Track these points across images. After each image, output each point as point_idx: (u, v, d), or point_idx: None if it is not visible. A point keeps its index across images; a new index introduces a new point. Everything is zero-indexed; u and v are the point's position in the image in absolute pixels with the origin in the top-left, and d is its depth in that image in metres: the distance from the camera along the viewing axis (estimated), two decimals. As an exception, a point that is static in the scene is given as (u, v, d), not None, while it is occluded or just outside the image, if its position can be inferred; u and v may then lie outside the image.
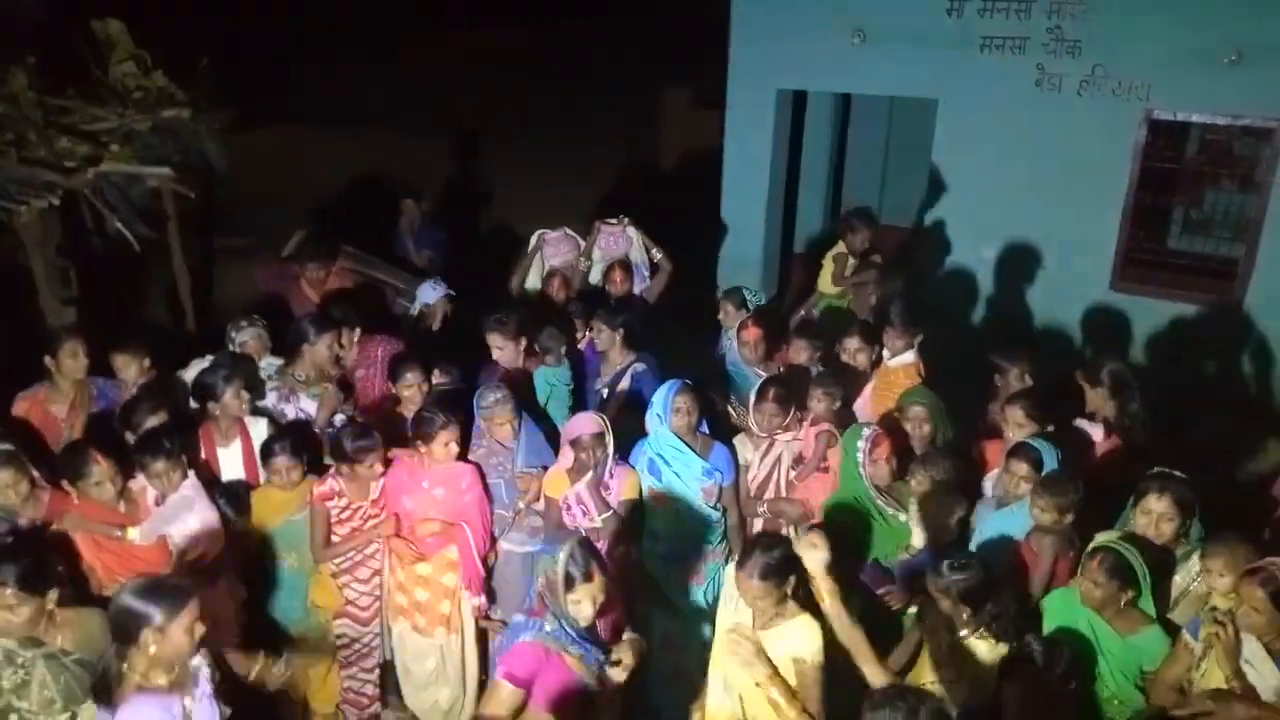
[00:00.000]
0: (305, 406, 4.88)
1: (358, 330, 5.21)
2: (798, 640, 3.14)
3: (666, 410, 4.37)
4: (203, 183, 7.17)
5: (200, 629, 2.87)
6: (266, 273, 6.36)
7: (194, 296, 7.03)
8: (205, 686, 2.96)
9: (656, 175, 11.86)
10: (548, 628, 3.05)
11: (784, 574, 3.13)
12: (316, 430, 4.78)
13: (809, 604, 3.19)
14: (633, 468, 4.43)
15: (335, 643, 4.53)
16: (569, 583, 2.99)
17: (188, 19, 9.85)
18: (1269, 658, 3.13)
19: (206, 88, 7.13)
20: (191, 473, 4.17)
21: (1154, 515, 3.57)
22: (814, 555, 3.04)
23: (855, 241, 6.44)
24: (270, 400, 4.86)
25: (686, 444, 4.38)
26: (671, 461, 4.37)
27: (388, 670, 4.64)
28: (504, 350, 5.08)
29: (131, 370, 4.78)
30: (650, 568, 4.44)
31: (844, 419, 4.65)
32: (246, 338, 5.10)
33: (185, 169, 6.82)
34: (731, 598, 3.36)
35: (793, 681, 3.10)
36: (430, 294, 6.09)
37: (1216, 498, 3.78)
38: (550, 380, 5.18)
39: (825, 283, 6.65)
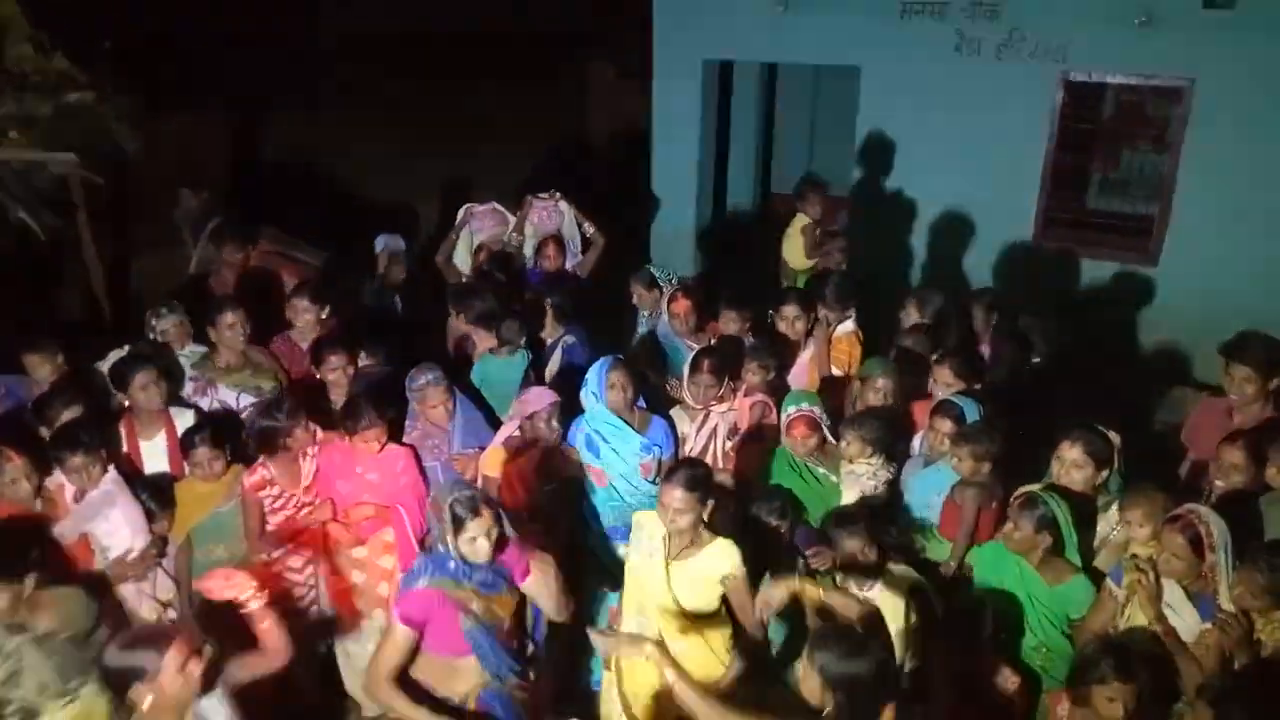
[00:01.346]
0: (224, 397, 4.74)
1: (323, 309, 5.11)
2: (719, 559, 3.35)
3: (601, 387, 4.34)
4: (114, 170, 6.90)
5: (197, 667, 2.77)
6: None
7: (112, 287, 6.78)
8: None
9: (585, 147, 11.77)
10: (450, 565, 3.15)
11: (706, 489, 3.33)
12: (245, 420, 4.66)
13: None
14: (569, 444, 4.42)
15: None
16: (458, 523, 3.11)
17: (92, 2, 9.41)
18: (1188, 601, 3.25)
19: (111, 71, 6.84)
20: (112, 467, 4.04)
21: (1066, 462, 3.68)
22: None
23: (814, 210, 6.59)
24: (186, 391, 4.72)
25: (624, 420, 4.37)
26: (609, 438, 4.35)
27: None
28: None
29: (44, 370, 4.59)
30: (591, 544, 4.44)
31: (779, 387, 4.69)
32: (167, 325, 4.92)
33: (93, 155, 6.55)
34: (640, 537, 3.49)
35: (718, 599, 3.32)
36: (380, 246, 6.05)
37: (1131, 447, 3.89)
38: (501, 373, 5.04)
39: (796, 257, 6.70)
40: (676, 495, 3.29)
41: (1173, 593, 3.28)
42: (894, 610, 3.31)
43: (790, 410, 4.18)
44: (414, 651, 3.23)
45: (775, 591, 3.22)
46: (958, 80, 7.08)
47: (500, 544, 3.24)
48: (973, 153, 7.18)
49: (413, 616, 3.17)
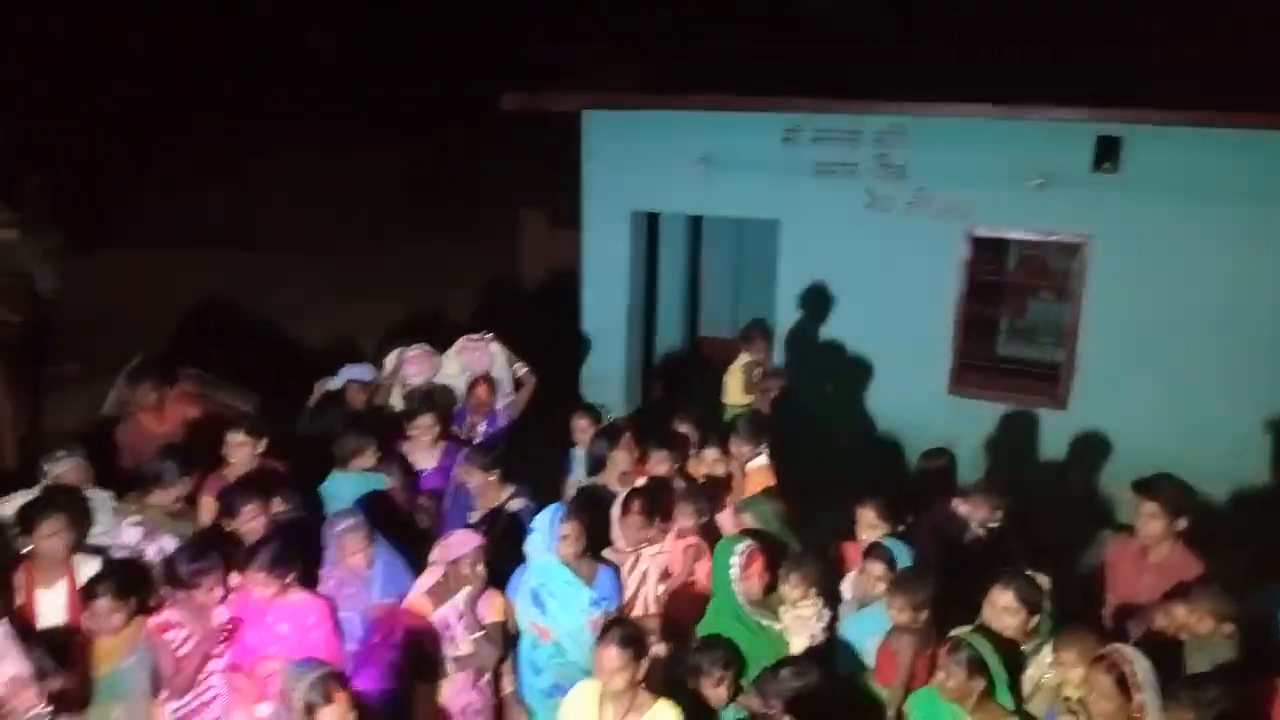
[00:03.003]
0: (167, 545, 4.51)
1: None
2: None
3: (552, 537, 4.28)
4: (31, 306, 6.78)
5: None
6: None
7: (17, 428, 6.53)
8: None
9: (516, 292, 11.96)
10: None
11: (640, 647, 3.33)
12: None
13: None
14: (500, 591, 4.30)
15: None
16: (309, 710, 3.05)
17: (19, 138, 9.45)
18: (1117, 741, 3.25)
19: (37, 208, 6.81)
20: (4, 621, 3.79)
21: (997, 607, 3.70)
22: None
23: (758, 351, 7.18)
24: (132, 538, 4.49)
25: (574, 572, 4.28)
26: (556, 593, 4.25)
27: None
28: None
29: None
30: (531, 702, 4.28)
31: (709, 531, 4.67)
32: (61, 469, 4.70)
33: (11, 292, 6.43)
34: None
35: None
36: (345, 376, 6.09)
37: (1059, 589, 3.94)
38: (349, 488, 5.00)
39: (734, 393, 7.11)
40: (611, 654, 3.28)
41: (1103, 734, 3.27)
42: None
43: (740, 547, 4.13)
44: None
45: None
46: (869, 234, 7.45)
47: None
48: (887, 302, 7.49)
49: None
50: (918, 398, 7.43)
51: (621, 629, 3.41)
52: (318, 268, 11.51)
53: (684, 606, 4.41)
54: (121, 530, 4.52)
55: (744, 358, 7.16)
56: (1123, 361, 6.97)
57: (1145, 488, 4.14)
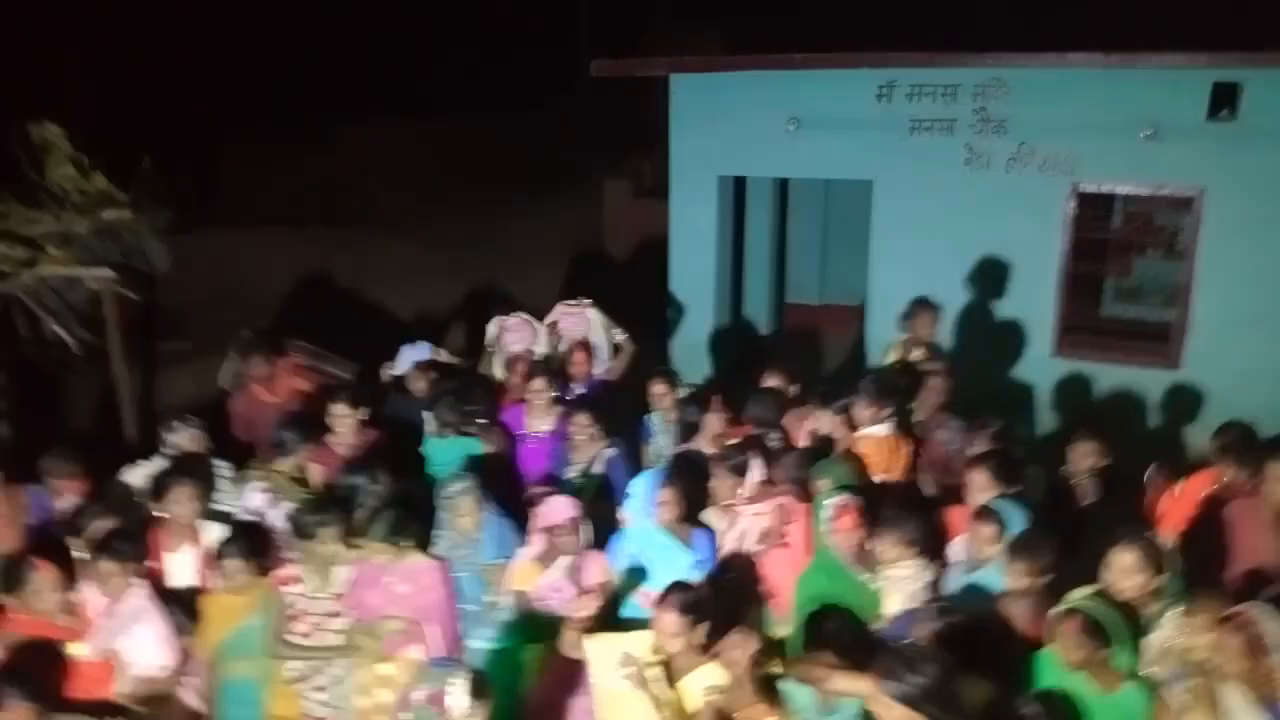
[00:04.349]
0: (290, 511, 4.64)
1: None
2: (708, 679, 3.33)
3: (650, 503, 4.30)
4: (145, 285, 7.05)
5: None
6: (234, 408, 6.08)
7: (134, 402, 6.83)
8: None
9: (604, 264, 12.00)
10: None
11: (700, 613, 3.33)
12: None
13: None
14: (602, 553, 4.35)
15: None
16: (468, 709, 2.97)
17: (128, 119, 9.83)
18: (1254, 707, 3.13)
19: (148, 188, 7.06)
20: (144, 582, 3.99)
21: (1116, 569, 3.59)
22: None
23: (920, 329, 6.07)
24: (256, 502, 4.68)
25: (674, 536, 4.30)
26: (656, 559, 4.27)
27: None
28: None
29: (67, 483, 4.61)
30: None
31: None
32: (180, 438, 4.94)
33: (127, 271, 6.70)
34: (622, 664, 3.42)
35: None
36: (407, 359, 6.03)
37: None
38: (447, 453, 5.15)
39: None
40: (670, 619, 3.32)
41: (1235, 699, 3.16)
42: None
43: (832, 501, 4.09)
44: None
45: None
46: (968, 192, 7.24)
47: None
48: (987, 263, 7.28)
49: None
50: (1022, 361, 7.22)
51: (681, 594, 3.41)
52: (406, 243, 11.73)
53: (777, 567, 4.36)
54: (247, 495, 4.70)
55: (901, 336, 6.14)
56: (1239, 318, 6.66)
57: (1275, 447, 3.96)
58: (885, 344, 6.38)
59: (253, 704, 4.18)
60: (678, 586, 3.51)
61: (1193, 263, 6.83)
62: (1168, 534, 4.25)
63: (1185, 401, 6.86)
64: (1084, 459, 4.75)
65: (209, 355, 7.07)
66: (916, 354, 6.00)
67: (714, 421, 5.17)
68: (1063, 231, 7.09)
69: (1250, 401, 6.44)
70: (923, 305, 6.16)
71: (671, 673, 3.42)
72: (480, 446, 5.25)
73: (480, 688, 3.02)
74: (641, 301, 8.59)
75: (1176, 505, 4.42)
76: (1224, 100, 6.43)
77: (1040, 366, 7.24)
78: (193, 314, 9.11)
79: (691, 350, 8.33)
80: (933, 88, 7.21)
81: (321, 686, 4.19)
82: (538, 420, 5.54)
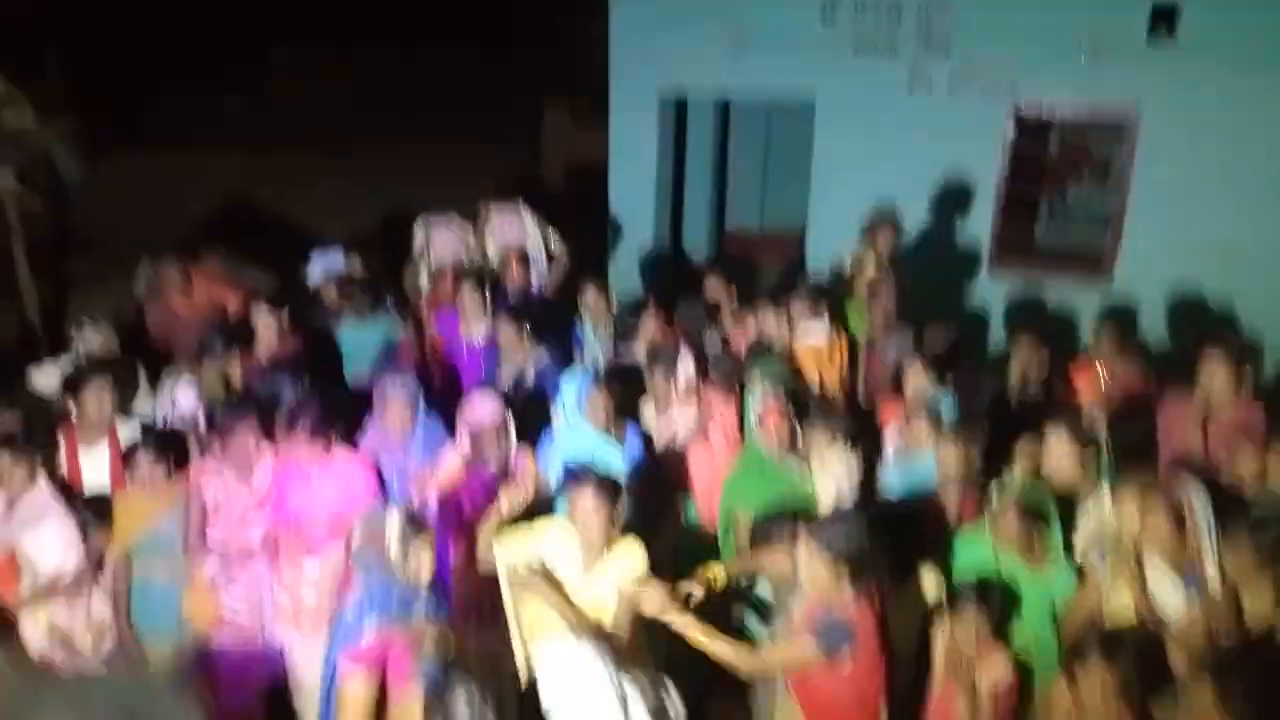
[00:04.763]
0: None
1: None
2: (628, 560, 3.31)
3: (580, 404, 4.22)
4: (54, 197, 6.69)
5: None
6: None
7: (42, 315, 6.51)
8: None
9: (542, 195, 11.75)
10: (394, 595, 3.07)
11: (615, 494, 3.30)
12: None
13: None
14: (531, 452, 4.26)
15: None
16: (405, 539, 3.04)
17: (34, 24, 9.26)
18: (1172, 577, 3.19)
19: (54, 92, 6.67)
20: (46, 478, 3.79)
21: (1052, 447, 3.63)
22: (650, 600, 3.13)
23: (879, 244, 5.87)
24: (185, 400, 4.52)
25: (604, 435, 4.24)
26: (588, 459, 4.15)
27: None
28: None
29: None
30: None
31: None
32: (89, 337, 4.75)
33: (31, 178, 6.34)
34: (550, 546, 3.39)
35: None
36: (319, 267, 5.87)
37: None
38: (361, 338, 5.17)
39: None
40: (587, 498, 3.27)
41: (1157, 569, 3.21)
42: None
43: (762, 394, 4.05)
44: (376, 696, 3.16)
45: None
46: (911, 114, 7.19)
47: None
48: (927, 186, 7.27)
49: (367, 660, 3.12)
50: (959, 279, 7.25)
51: (594, 475, 3.36)
52: (335, 170, 11.38)
53: (698, 463, 4.36)
54: (178, 392, 4.54)
55: (857, 250, 5.94)
56: (1171, 238, 6.75)
57: (1209, 339, 4.02)
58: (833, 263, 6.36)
59: (168, 606, 4.02)
60: (594, 468, 3.45)
61: (1127, 187, 6.89)
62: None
63: (1115, 313, 6.94)
64: (1026, 366, 4.77)
65: (127, 277, 6.75)
66: (871, 269, 5.86)
67: (650, 326, 5.09)
68: (1001, 153, 7.09)
69: (1181, 316, 6.64)
70: (884, 219, 6.01)
71: (586, 558, 3.36)
72: (397, 330, 5.21)
73: (416, 524, 3.04)
74: (579, 234, 8.45)
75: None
76: (1163, 20, 6.45)
77: (979, 284, 7.27)
78: (112, 235, 8.71)
79: (628, 275, 8.22)
80: (876, 5, 7.10)
81: (241, 587, 4.05)
82: (472, 327, 5.41)
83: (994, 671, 3.20)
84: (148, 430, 4.14)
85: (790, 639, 3.09)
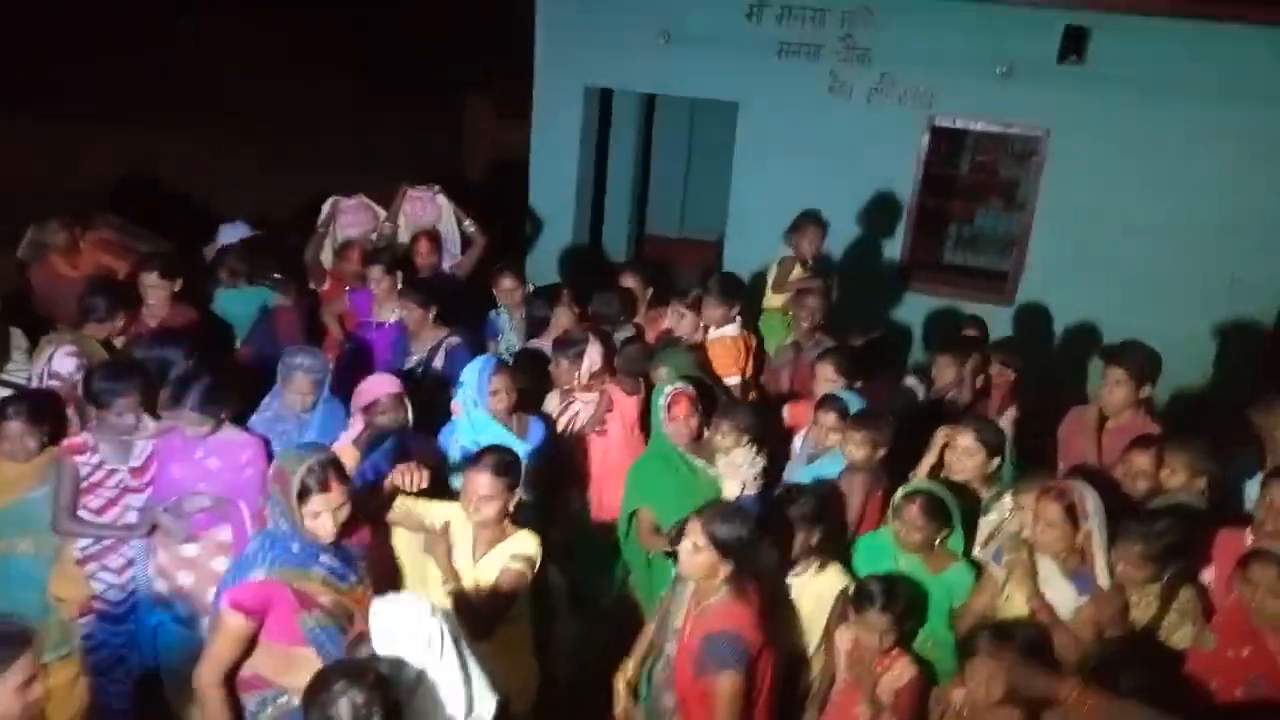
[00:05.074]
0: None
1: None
2: (521, 548, 3.22)
3: (482, 392, 4.09)
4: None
5: (36, 691, 2.31)
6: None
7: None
8: None
9: (462, 183, 11.54)
10: (294, 546, 2.90)
11: (514, 477, 3.19)
12: None
13: None
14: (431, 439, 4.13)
15: (80, 646, 3.87)
16: (303, 493, 2.86)
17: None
18: (1065, 578, 3.24)
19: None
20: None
21: (958, 450, 3.66)
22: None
23: (804, 246, 5.82)
24: (64, 366, 4.25)
25: (505, 426, 4.11)
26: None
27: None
28: None
29: None
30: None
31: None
32: None
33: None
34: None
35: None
36: (229, 235, 5.66)
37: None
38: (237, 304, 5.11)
39: (767, 293, 5.99)
40: (483, 481, 3.15)
41: (1049, 570, 3.27)
42: (827, 598, 3.36)
43: (668, 390, 4.00)
44: (250, 643, 2.93)
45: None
46: (831, 120, 7.28)
47: (350, 528, 3.01)
48: (845, 192, 7.35)
49: (248, 607, 2.87)
50: (869, 290, 7.36)
51: (496, 456, 3.23)
52: (246, 143, 10.94)
53: (590, 454, 4.36)
54: (55, 358, 4.26)
55: (784, 250, 5.90)
56: (1072, 261, 6.97)
57: (1116, 353, 4.12)
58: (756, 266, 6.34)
59: (34, 583, 3.75)
60: (492, 450, 3.31)
61: (1032, 208, 7.11)
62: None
63: (1018, 336, 7.13)
64: (944, 376, 4.79)
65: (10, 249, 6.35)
66: (797, 272, 5.83)
67: (563, 317, 5.00)
68: (915, 166, 7.22)
69: (1077, 340, 6.85)
70: (810, 220, 5.93)
71: (478, 545, 3.26)
72: (273, 298, 5.07)
73: (323, 480, 2.88)
74: (499, 227, 8.30)
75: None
76: (1074, 44, 6.65)
77: (888, 295, 7.38)
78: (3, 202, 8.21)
79: (546, 272, 8.11)
80: (801, 10, 7.17)
81: (114, 568, 3.81)
82: (383, 309, 5.24)
83: (896, 673, 3.21)
84: (19, 395, 3.85)
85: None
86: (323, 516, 2.89)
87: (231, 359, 4.88)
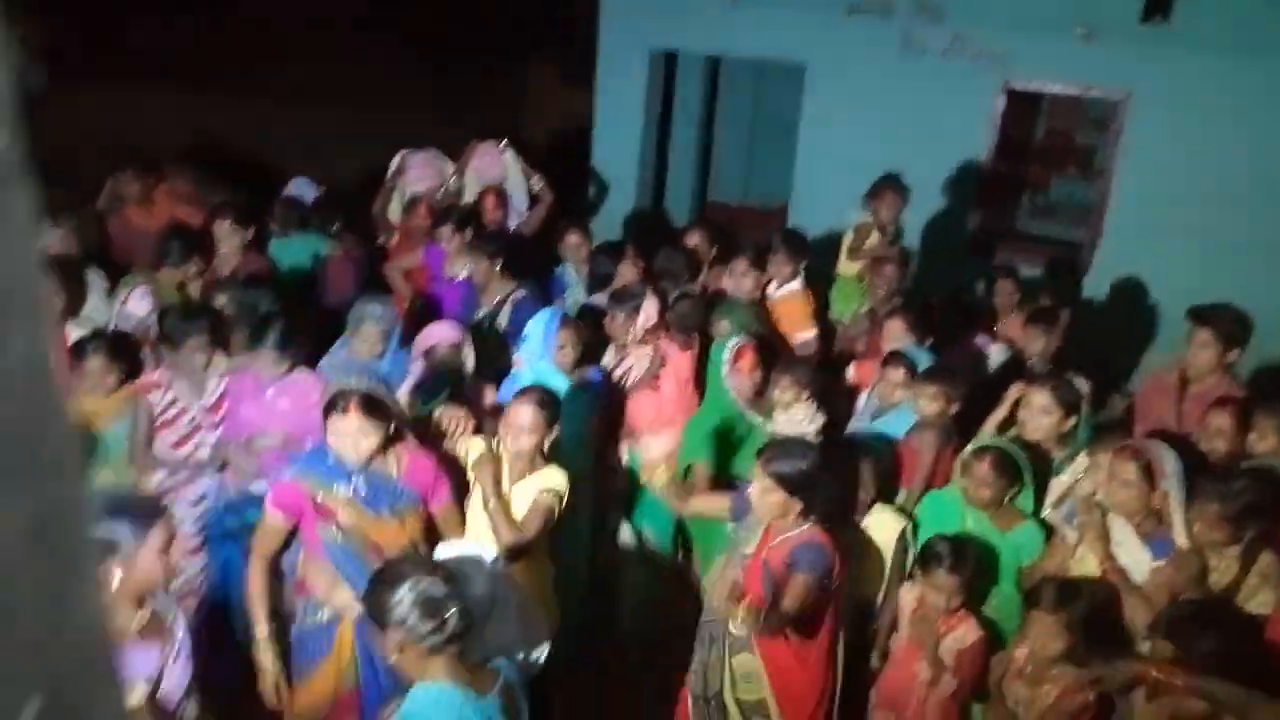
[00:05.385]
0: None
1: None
2: (551, 481, 3.27)
3: (549, 345, 4.10)
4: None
5: (175, 556, 2.46)
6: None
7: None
8: (182, 638, 2.48)
9: (524, 152, 11.54)
10: (328, 461, 3.02)
11: (554, 412, 3.25)
12: None
13: None
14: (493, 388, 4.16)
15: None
16: (327, 410, 2.97)
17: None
18: (1140, 540, 3.14)
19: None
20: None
21: (1034, 408, 3.57)
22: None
23: (883, 211, 5.67)
24: (139, 308, 4.42)
25: (568, 379, 4.10)
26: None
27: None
28: None
29: None
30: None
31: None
32: (50, 237, 4.55)
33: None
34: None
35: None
36: (297, 191, 5.83)
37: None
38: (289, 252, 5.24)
39: (841, 259, 5.85)
40: (526, 412, 3.20)
41: (1123, 532, 3.17)
42: (886, 544, 3.33)
43: (732, 342, 3.95)
44: (288, 538, 3.14)
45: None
46: (902, 82, 7.10)
47: (405, 465, 3.12)
48: (914, 159, 7.17)
49: (282, 504, 3.05)
50: (942, 255, 7.21)
51: (540, 391, 3.31)
52: (309, 111, 11.08)
53: (641, 409, 4.28)
54: (132, 299, 4.38)
55: (860, 215, 5.69)
56: (1153, 230, 6.72)
57: (1201, 313, 3.95)
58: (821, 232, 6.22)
59: (110, 516, 3.88)
60: (536, 386, 3.39)
61: (1110, 176, 6.86)
62: None
63: (1095, 305, 6.94)
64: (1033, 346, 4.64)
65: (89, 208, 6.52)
66: (874, 239, 5.66)
67: (627, 272, 4.98)
68: (989, 130, 7.03)
69: (1160, 310, 6.63)
70: (889, 184, 5.75)
71: (511, 475, 3.31)
72: (325, 247, 5.17)
73: (370, 408, 2.95)
74: (563, 192, 8.29)
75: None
76: (1158, 3, 6.39)
77: (959, 260, 7.22)
78: (71, 166, 8.44)
79: (610, 235, 8.07)
80: (872, -35, 7.00)
81: (189, 499, 3.92)
82: (454, 265, 5.26)
83: (960, 633, 3.15)
84: (99, 334, 3.96)
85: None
86: (341, 438, 2.96)
87: (304, 305, 4.96)
